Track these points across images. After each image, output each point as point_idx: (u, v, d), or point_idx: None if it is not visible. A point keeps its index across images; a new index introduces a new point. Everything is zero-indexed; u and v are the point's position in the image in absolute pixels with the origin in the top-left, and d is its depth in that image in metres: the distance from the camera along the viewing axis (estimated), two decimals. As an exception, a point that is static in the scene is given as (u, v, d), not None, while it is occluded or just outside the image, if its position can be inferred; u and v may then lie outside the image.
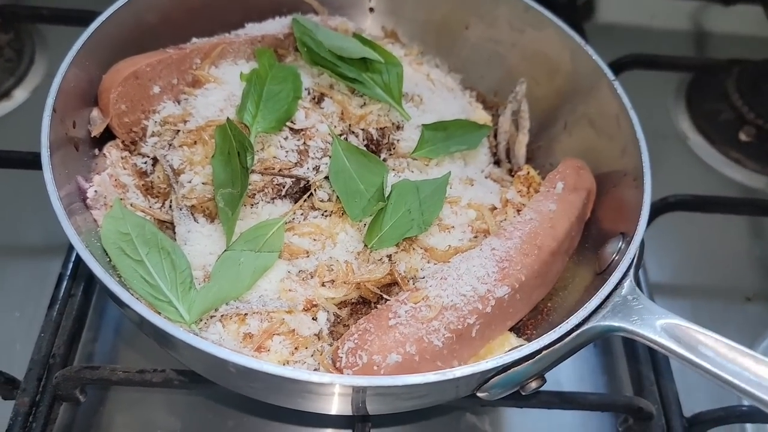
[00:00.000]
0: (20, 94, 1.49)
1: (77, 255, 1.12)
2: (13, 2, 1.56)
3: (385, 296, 0.88)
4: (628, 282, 0.79)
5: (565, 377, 1.18)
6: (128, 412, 1.08)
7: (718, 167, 1.52)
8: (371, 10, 1.24)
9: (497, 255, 0.85)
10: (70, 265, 1.11)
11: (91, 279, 1.12)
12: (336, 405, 0.78)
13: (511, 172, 1.12)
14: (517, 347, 0.81)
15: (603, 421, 1.13)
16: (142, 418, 1.08)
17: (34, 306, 1.16)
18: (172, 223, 0.95)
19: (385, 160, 1.01)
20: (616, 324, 0.75)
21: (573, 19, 1.60)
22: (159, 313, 0.84)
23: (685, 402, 1.07)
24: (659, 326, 0.74)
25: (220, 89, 0.99)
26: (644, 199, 0.85)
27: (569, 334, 0.74)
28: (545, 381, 0.78)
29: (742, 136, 1.50)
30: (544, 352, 0.72)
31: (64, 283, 1.09)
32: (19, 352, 1.11)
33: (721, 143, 1.52)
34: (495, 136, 1.14)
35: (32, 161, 1.19)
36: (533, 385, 0.77)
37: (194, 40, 1.06)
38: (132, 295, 0.85)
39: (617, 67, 1.48)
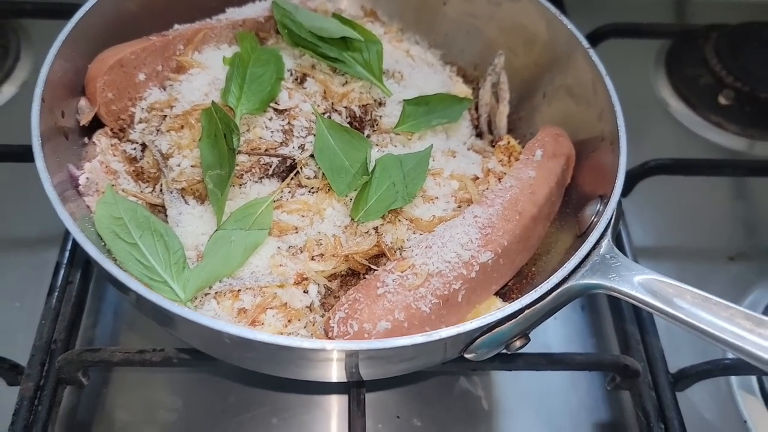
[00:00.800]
0: (8, 90, 1.50)
1: (73, 243, 1.15)
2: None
3: (373, 267, 0.91)
4: (606, 241, 0.82)
5: (554, 340, 1.21)
6: (131, 392, 1.11)
7: (699, 132, 1.55)
8: (350, -11, 1.26)
9: (480, 222, 0.87)
10: (67, 253, 1.13)
11: (88, 265, 1.15)
12: (330, 371, 0.81)
13: (492, 143, 1.14)
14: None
15: (592, 380, 1.16)
16: (144, 398, 1.11)
17: (34, 296, 1.19)
18: (163, 206, 0.97)
19: (368, 136, 1.03)
20: (595, 281, 0.78)
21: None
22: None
23: (670, 358, 1.11)
24: (637, 282, 0.77)
25: (204, 74, 1.01)
26: (620, 162, 0.88)
27: (550, 293, 0.76)
28: (529, 340, 0.81)
29: (722, 100, 1.53)
30: (526, 311, 0.75)
31: (62, 271, 1.11)
32: (21, 340, 1.14)
33: (701, 108, 1.54)
34: (476, 108, 1.16)
35: (23, 154, 1.21)
36: (518, 344, 0.80)
37: (176, 26, 1.07)
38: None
39: (597, 37, 1.50)
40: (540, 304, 0.76)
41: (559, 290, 0.77)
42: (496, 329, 0.76)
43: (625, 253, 1.17)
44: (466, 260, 0.84)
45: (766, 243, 1.37)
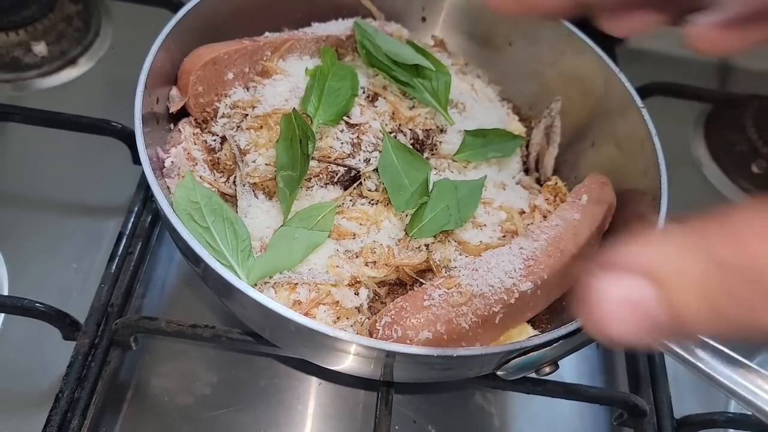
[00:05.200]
0: (85, 63, 1.60)
1: (136, 216, 1.23)
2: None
3: (420, 280, 0.98)
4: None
5: (567, 371, 1.29)
6: (170, 362, 1.19)
7: (728, 194, 1.62)
8: (423, 19, 1.34)
9: (524, 254, 0.95)
10: (130, 225, 1.21)
11: (147, 240, 1.23)
12: (369, 367, 0.89)
13: (538, 181, 1.22)
14: (535, 335, 0.92)
15: (599, 414, 1.24)
16: (182, 369, 1.19)
17: (90, 260, 1.28)
18: (234, 197, 1.05)
19: (427, 158, 1.11)
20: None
21: (606, 43, 1.70)
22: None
23: (676, 404, 1.18)
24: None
25: (287, 81, 1.10)
26: (660, 218, 0.95)
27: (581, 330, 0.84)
28: (558, 367, 0.89)
29: (755, 168, 1.60)
30: (561, 341, 0.83)
31: (124, 240, 1.19)
32: (76, 299, 1.23)
33: (733, 173, 1.62)
34: (527, 146, 1.24)
35: (101, 127, 1.31)
36: (547, 369, 0.88)
37: (267, 34, 1.16)
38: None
39: (644, 92, 1.58)
40: (574, 336, 0.84)
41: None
42: (531, 353, 0.83)
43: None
44: (507, 287, 0.92)
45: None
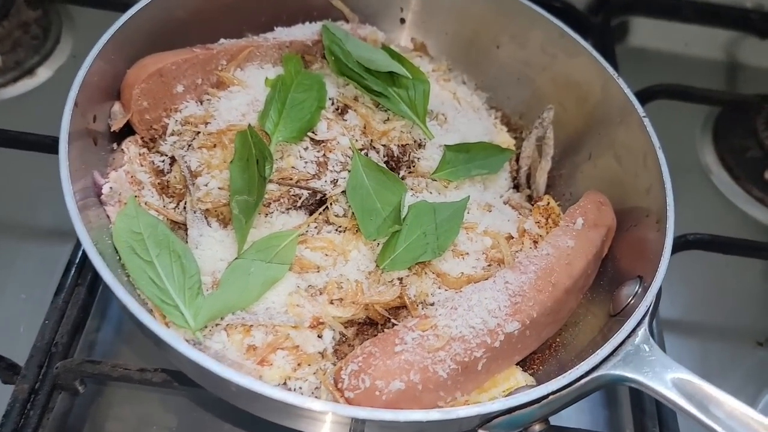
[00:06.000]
0: (44, 73, 1.48)
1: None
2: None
3: (392, 319, 0.87)
4: (642, 331, 0.78)
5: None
6: (125, 406, 1.08)
7: (739, 204, 1.50)
8: (402, 21, 1.23)
9: (510, 289, 0.83)
10: (80, 253, 1.10)
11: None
12: (333, 430, 0.77)
13: (530, 199, 1.10)
14: (523, 387, 0.80)
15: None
16: (138, 413, 1.07)
17: (42, 289, 1.16)
18: (185, 225, 0.94)
19: (403, 177, 0.99)
20: (627, 374, 0.74)
21: (605, 41, 1.58)
22: (164, 317, 0.84)
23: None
24: (670, 380, 0.73)
25: (244, 93, 0.98)
26: (665, 246, 0.84)
27: (578, 381, 0.72)
28: (549, 425, 0.77)
29: (767, 176, 1.48)
30: (551, 397, 0.71)
31: (72, 271, 1.08)
32: (23, 334, 1.11)
33: (745, 180, 1.49)
34: (517, 160, 1.12)
35: (50, 145, 1.19)
36: (536, 428, 0.76)
37: (222, 40, 1.04)
38: (139, 295, 0.86)
39: (647, 95, 1.46)
40: (566, 391, 0.72)
41: (588, 378, 0.73)
42: (517, 412, 0.71)
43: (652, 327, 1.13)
44: (491, 328, 0.80)
45: (798, 332, 1.31)
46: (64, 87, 1.50)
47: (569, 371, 0.72)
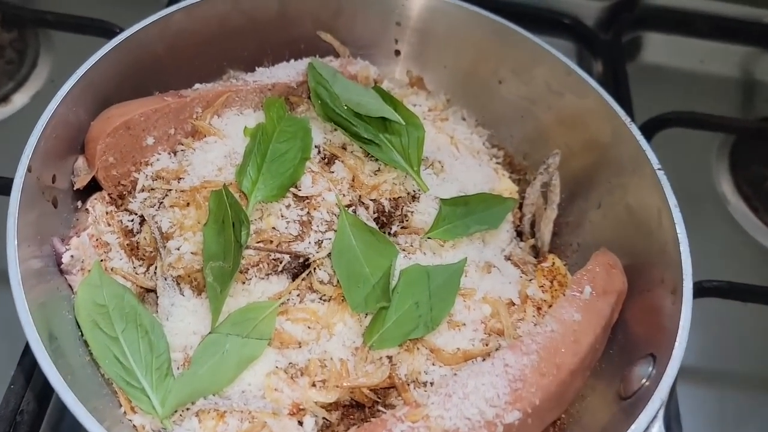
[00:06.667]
0: (19, 99, 1.40)
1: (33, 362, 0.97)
2: (19, 3, 1.47)
3: (380, 403, 0.79)
4: (658, 425, 0.70)
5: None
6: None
7: (757, 236, 1.41)
8: (397, 53, 1.14)
9: (510, 373, 0.75)
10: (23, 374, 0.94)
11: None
12: None
13: (534, 249, 1.01)
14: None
15: None
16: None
17: (10, 343, 1.07)
18: (155, 291, 0.86)
19: (395, 234, 0.91)
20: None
21: (616, 58, 1.49)
22: (129, 401, 0.76)
23: None
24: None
25: (221, 144, 0.90)
26: (681, 326, 0.76)
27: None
28: None
29: (787, 208, 1.39)
30: None
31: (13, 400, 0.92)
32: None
33: (763, 212, 1.40)
34: (520, 207, 1.03)
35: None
36: None
37: (197, 85, 0.96)
38: (103, 375, 0.78)
39: (659, 123, 1.37)
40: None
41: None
42: None
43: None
44: (489, 419, 0.72)
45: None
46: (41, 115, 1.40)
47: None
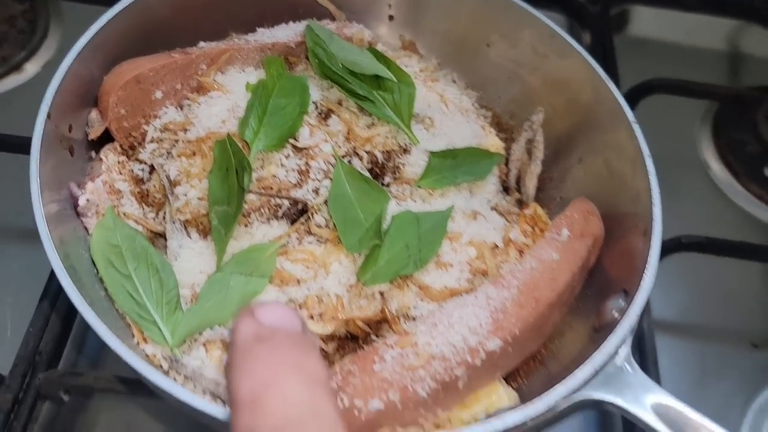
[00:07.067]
0: (31, 68, 1.46)
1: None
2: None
3: (372, 334, 0.86)
4: (625, 351, 0.76)
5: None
6: (112, 413, 1.07)
7: (739, 201, 1.47)
8: (391, 18, 1.19)
9: (492, 305, 0.81)
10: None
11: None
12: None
13: (520, 203, 1.08)
14: (505, 406, 0.79)
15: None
16: (126, 420, 1.07)
17: (30, 292, 1.14)
18: (165, 235, 0.93)
19: (389, 185, 0.97)
20: (607, 398, 0.72)
21: (604, 31, 1.55)
22: (142, 333, 0.83)
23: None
24: (650, 405, 0.71)
25: (225, 98, 0.96)
26: (649, 262, 0.81)
27: (557, 404, 0.71)
28: (528, 444, 0.76)
29: (767, 172, 1.45)
30: (530, 422, 0.70)
31: (56, 278, 1.06)
32: (9, 339, 1.11)
33: (744, 177, 1.46)
34: (507, 163, 1.10)
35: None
36: (515, 449, 0.75)
37: (202, 44, 1.02)
38: (117, 310, 0.85)
39: (644, 90, 1.43)
40: (544, 415, 0.71)
41: (568, 404, 0.71)
42: (492, 437, 0.70)
43: (641, 327, 1.12)
44: (472, 346, 0.79)
45: (794, 334, 1.30)
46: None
47: (547, 394, 0.70)
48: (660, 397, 0.72)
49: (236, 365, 0.46)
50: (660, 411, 0.71)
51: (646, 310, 1.17)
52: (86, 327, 1.14)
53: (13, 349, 1.02)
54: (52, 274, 1.07)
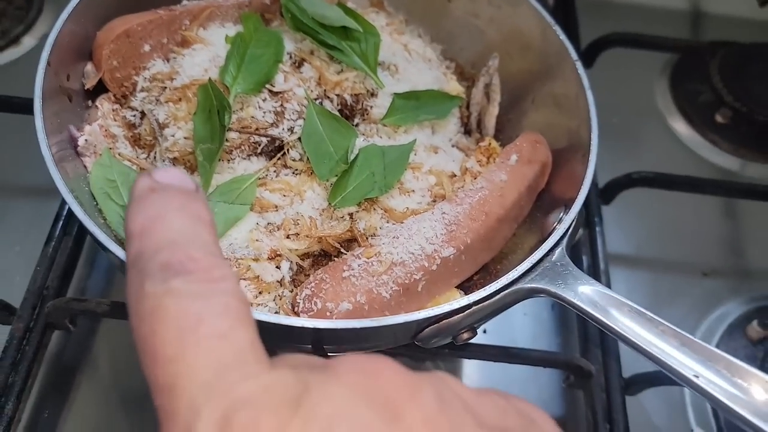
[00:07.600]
0: (28, 41, 1.57)
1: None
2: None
3: (343, 251, 0.96)
4: (560, 250, 0.87)
5: (521, 335, 1.27)
6: (118, 342, 1.19)
7: (694, 147, 1.58)
8: (359, -23, 1.29)
9: (446, 218, 0.92)
10: (66, 207, 1.19)
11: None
12: (298, 339, 0.87)
13: (479, 143, 1.18)
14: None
15: (552, 377, 1.22)
16: (131, 348, 1.17)
17: (34, 242, 1.25)
18: (156, 173, 1.03)
19: (357, 125, 1.08)
20: (542, 286, 0.83)
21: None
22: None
23: (630, 365, 1.15)
24: (580, 291, 0.82)
25: (206, 50, 1.06)
26: (586, 176, 0.92)
27: (498, 293, 0.82)
28: (476, 333, 0.87)
29: (719, 118, 1.55)
30: (474, 307, 0.80)
31: (60, 222, 1.18)
32: (18, 283, 1.21)
33: (698, 124, 1.57)
34: (467, 107, 1.20)
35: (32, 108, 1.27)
36: (465, 336, 0.85)
37: (185, 2, 1.12)
38: (116, 237, 0.95)
39: (602, 44, 1.53)
40: (487, 302, 0.81)
41: (507, 291, 0.82)
42: (444, 321, 0.81)
43: (596, 258, 1.22)
44: (428, 253, 0.89)
45: (741, 263, 1.40)
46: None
47: (491, 284, 0.81)
48: (590, 286, 0.83)
49: (131, 209, 0.53)
50: (589, 296, 0.81)
51: (602, 243, 1.28)
52: (89, 268, 1.26)
53: (23, 290, 1.12)
54: (55, 222, 1.19)
